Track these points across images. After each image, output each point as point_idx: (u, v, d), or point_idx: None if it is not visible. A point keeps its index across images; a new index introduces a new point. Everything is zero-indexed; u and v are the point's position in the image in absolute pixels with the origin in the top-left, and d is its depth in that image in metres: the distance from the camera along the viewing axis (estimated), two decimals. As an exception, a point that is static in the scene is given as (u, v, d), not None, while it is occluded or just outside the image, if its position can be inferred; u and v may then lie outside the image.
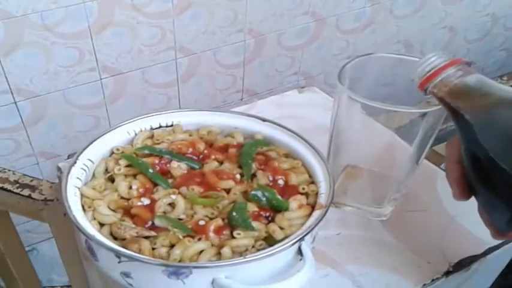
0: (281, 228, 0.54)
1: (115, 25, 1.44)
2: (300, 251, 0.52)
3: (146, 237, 0.52)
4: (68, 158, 0.72)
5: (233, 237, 0.53)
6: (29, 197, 0.77)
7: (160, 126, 0.65)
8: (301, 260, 0.52)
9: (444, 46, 2.17)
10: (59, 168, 0.70)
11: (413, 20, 2.01)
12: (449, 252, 0.63)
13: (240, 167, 0.60)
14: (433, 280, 0.60)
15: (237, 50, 1.70)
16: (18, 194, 0.77)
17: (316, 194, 0.57)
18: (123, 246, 0.50)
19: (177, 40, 1.57)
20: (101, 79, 1.52)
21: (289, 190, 0.58)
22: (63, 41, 1.39)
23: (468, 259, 0.62)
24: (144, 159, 0.59)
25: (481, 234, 0.65)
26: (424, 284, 0.59)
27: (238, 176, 0.59)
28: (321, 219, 0.52)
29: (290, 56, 1.83)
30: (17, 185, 0.78)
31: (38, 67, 1.40)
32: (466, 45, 2.23)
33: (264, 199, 0.56)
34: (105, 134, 0.61)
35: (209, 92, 1.75)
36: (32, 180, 0.79)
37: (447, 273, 0.61)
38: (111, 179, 0.59)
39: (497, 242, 0.64)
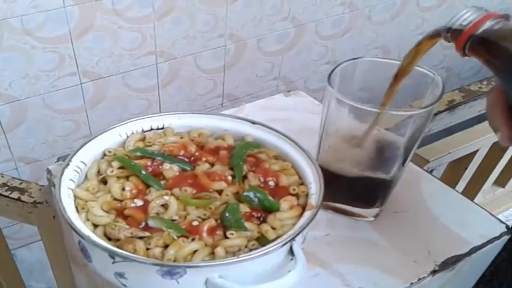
0: (273, 229, 0.54)
1: (96, 29, 1.44)
2: (291, 251, 0.53)
3: (140, 238, 0.52)
4: (58, 161, 0.72)
5: (226, 238, 0.53)
6: (18, 199, 0.77)
7: (151, 129, 0.65)
8: (292, 260, 0.53)
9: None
10: (48, 171, 0.70)
11: (391, 26, 2.04)
12: (435, 252, 0.64)
13: (231, 168, 0.61)
14: (419, 279, 0.61)
15: (218, 55, 1.71)
16: (7, 197, 0.77)
17: (307, 195, 0.58)
18: (118, 247, 0.51)
19: (158, 45, 1.58)
20: (81, 84, 1.52)
21: (280, 191, 0.59)
22: (43, 45, 1.39)
23: (453, 258, 0.64)
24: (137, 161, 0.60)
25: (466, 234, 0.67)
26: (412, 283, 0.61)
27: (229, 178, 0.59)
28: (312, 219, 0.53)
29: (270, 61, 1.84)
30: (6, 187, 0.78)
31: (17, 71, 1.39)
32: (442, 52, 2.26)
33: (255, 200, 0.57)
34: (97, 136, 0.61)
35: (190, 96, 1.76)
36: (21, 183, 0.79)
37: (433, 272, 0.62)
38: (104, 181, 0.59)
39: (481, 241, 0.66)
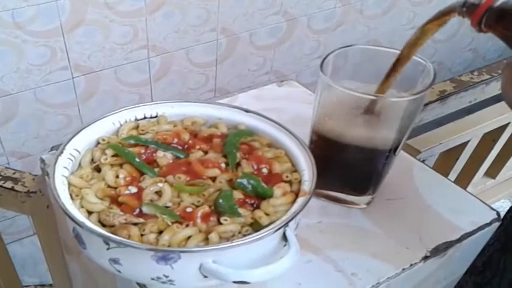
0: (266, 215, 0.55)
1: (87, 23, 1.44)
2: (284, 237, 0.53)
3: (135, 224, 0.53)
4: (51, 150, 0.72)
5: (220, 224, 0.53)
6: (12, 189, 0.77)
7: (145, 117, 0.65)
8: (285, 245, 0.53)
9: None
10: (42, 160, 0.70)
11: (383, 21, 2.05)
12: (426, 238, 0.65)
13: (224, 156, 0.61)
14: (411, 264, 0.62)
15: (210, 49, 1.71)
16: (1, 186, 0.77)
17: (300, 181, 0.58)
18: (112, 233, 0.51)
19: (150, 39, 1.58)
20: (73, 78, 1.52)
21: (273, 178, 0.59)
22: (34, 39, 1.39)
23: (444, 244, 0.64)
24: (130, 149, 0.60)
25: (457, 221, 0.67)
26: (403, 269, 0.61)
27: (223, 165, 0.60)
28: (305, 205, 0.54)
29: (262, 56, 1.85)
30: (-1, 177, 0.78)
31: (8, 66, 1.39)
32: (433, 46, 2.27)
33: (249, 187, 0.57)
34: (90, 124, 0.61)
35: (182, 91, 1.76)
36: (14, 173, 0.79)
37: (425, 258, 0.62)
38: (97, 169, 0.59)
39: (472, 228, 0.66)
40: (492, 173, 1.66)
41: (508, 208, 0.78)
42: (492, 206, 0.70)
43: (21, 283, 1.20)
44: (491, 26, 0.48)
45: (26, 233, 1.73)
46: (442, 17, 0.55)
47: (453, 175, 1.44)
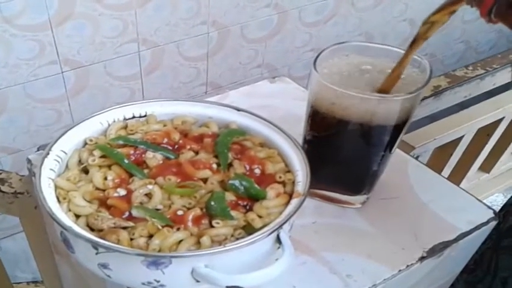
0: (259, 217, 0.53)
1: (76, 17, 1.42)
2: (278, 239, 0.52)
3: (124, 228, 0.51)
4: (38, 150, 0.70)
5: (212, 227, 0.52)
6: (-2, 190, 0.76)
7: (133, 117, 0.63)
8: (279, 248, 0.52)
9: (405, 38, 2.19)
10: (29, 161, 0.68)
11: (375, 13, 2.03)
12: (422, 238, 0.64)
13: (216, 156, 0.60)
14: (408, 266, 0.61)
15: (201, 42, 1.69)
16: (-13, 187, 0.76)
17: (293, 182, 0.57)
18: (101, 238, 0.50)
19: (140, 32, 1.55)
20: (62, 72, 1.50)
21: (266, 179, 0.58)
22: (22, 33, 1.36)
23: (441, 245, 0.63)
24: (119, 150, 0.58)
25: (453, 221, 0.66)
26: (400, 270, 0.60)
27: (214, 166, 0.58)
28: (299, 207, 0.53)
29: (253, 49, 1.83)
30: (-14, 178, 0.77)
31: (-4, 60, 1.37)
32: (425, 38, 2.26)
33: (241, 188, 0.56)
34: (77, 124, 0.60)
35: (173, 85, 1.74)
36: (0, 173, 0.77)
37: (421, 259, 0.62)
38: (85, 170, 0.58)
39: (468, 228, 0.65)
40: (486, 167, 1.66)
41: (500, 205, 0.77)
42: (486, 200, 0.69)
43: (10, 280, 1.19)
44: (501, 16, 0.46)
45: (18, 228, 1.71)
46: (449, 6, 0.53)
47: (447, 170, 1.43)
